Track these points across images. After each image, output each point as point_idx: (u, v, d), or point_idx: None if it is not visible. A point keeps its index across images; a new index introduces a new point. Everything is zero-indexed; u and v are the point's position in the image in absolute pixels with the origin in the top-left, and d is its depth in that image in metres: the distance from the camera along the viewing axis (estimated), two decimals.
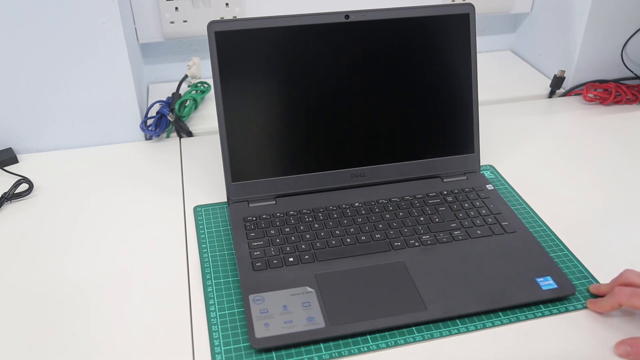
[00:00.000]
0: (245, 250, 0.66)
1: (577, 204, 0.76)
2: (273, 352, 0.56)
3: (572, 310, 0.60)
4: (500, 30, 1.19)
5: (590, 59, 1.01)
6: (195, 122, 0.94)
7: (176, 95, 0.92)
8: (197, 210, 0.75)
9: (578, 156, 0.87)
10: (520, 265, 0.64)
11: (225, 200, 0.76)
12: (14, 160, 0.84)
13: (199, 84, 0.98)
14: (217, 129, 0.92)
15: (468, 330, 0.58)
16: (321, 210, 0.72)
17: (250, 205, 0.72)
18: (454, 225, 0.70)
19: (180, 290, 0.63)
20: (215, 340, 0.57)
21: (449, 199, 0.74)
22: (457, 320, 0.59)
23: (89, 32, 0.80)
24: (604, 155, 0.87)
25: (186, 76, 0.98)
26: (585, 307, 0.61)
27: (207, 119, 0.95)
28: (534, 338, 0.57)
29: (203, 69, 1.06)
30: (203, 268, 0.65)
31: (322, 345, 0.56)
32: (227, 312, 0.60)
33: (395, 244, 0.67)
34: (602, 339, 0.57)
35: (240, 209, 0.72)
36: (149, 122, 0.90)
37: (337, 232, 0.68)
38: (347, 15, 0.71)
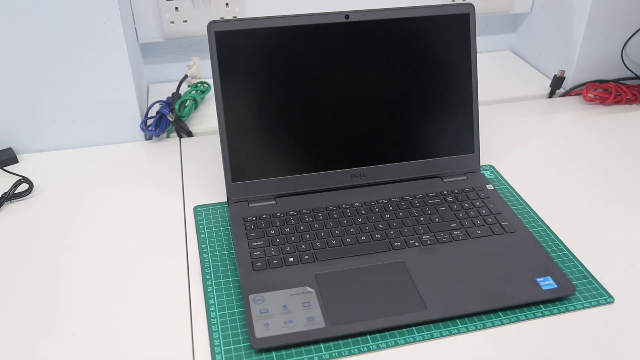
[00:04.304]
0: (245, 250, 0.66)
1: (577, 204, 0.76)
2: (273, 352, 0.56)
3: (572, 310, 0.60)
4: (500, 30, 1.19)
5: (590, 59, 1.01)
6: (195, 122, 0.94)
7: (176, 95, 0.92)
8: (197, 210, 0.75)
9: (578, 156, 0.87)
10: (520, 265, 0.64)
11: (225, 200, 0.76)
12: (14, 160, 0.84)
13: (199, 84, 0.98)
14: (217, 129, 0.93)
15: (468, 330, 0.58)
16: (321, 210, 0.72)
17: (250, 205, 0.72)
18: (454, 225, 0.70)
19: (180, 290, 0.63)
20: (215, 340, 0.57)
21: (449, 199, 0.74)
22: (457, 320, 0.59)
23: (89, 32, 0.80)
24: (604, 155, 0.87)
25: (186, 76, 0.98)
26: (585, 307, 0.61)
27: (207, 119, 0.95)
28: (534, 338, 0.57)
29: (203, 69, 1.06)
30: (203, 268, 0.65)
31: (322, 345, 0.56)
32: (227, 312, 0.60)
33: (395, 244, 0.67)
34: (602, 340, 0.57)
35: (240, 209, 0.72)
36: (149, 122, 0.90)
37: (337, 232, 0.68)
38: (347, 15, 0.71)
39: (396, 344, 0.57)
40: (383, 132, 0.75)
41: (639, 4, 0.97)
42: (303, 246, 0.66)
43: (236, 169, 0.72)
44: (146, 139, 0.90)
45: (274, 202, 0.73)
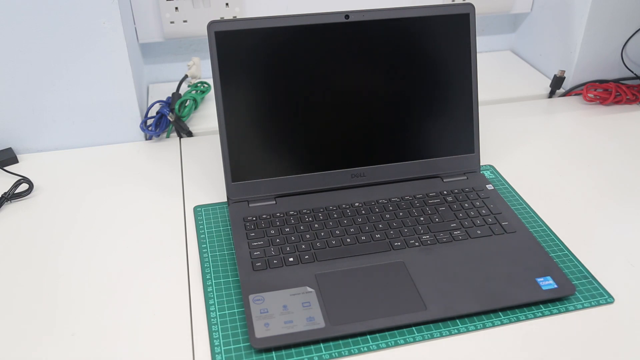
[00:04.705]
0: (245, 250, 0.66)
1: (577, 204, 0.76)
2: (273, 352, 0.56)
3: (572, 310, 0.60)
4: (500, 30, 1.19)
5: (590, 59, 1.01)
6: (195, 122, 0.94)
7: (176, 95, 0.92)
8: (197, 210, 0.75)
9: (578, 156, 0.87)
10: (520, 265, 0.64)
11: (225, 200, 0.76)
12: (14, 160, 0.84)
13: (199, 84, 0.98)
14: (217, 129, 0.93)
15: (468, 330, 0.58)
16: (321, 210, 0.72)
17: (250, 205, 0.72)
18: (454, 225, 0.70)
19: (180, 290, 0.63)
20: (215, 340, 0.57)
21: (449, 199, 0.74)
22: (457, 320, 0.59)
23: (89, 32, 0.80)
24: (604, 155, 0.87)
25: (186, 76, 0.98)
26: (585, 307, 0.61)
27: (207, 119, 0.95)
28: (534, 338, 0.57)
29: (203, 69, 1.06)
30: (203, 268, 0.65)
31: (322, 345, 0.56)
32: (227, 312, 0.60)
33: (395, 244, 0.67)
34: (602, 340, 0.57)
35: (240, 209, 0.72)
36: (149, 122, 0.90)
37: (337, 232, 0.68)
38: (347, 15, 0.71)
39: (396, 344, 0.57)
40: (383, 132, 0.75)
41: (639, 4, 0.97)
42: (303, 246, 0.66)
43: (236, 169, 0.72)
44: (146, 139, 0.90)
45: (274, 202, 0.73)
